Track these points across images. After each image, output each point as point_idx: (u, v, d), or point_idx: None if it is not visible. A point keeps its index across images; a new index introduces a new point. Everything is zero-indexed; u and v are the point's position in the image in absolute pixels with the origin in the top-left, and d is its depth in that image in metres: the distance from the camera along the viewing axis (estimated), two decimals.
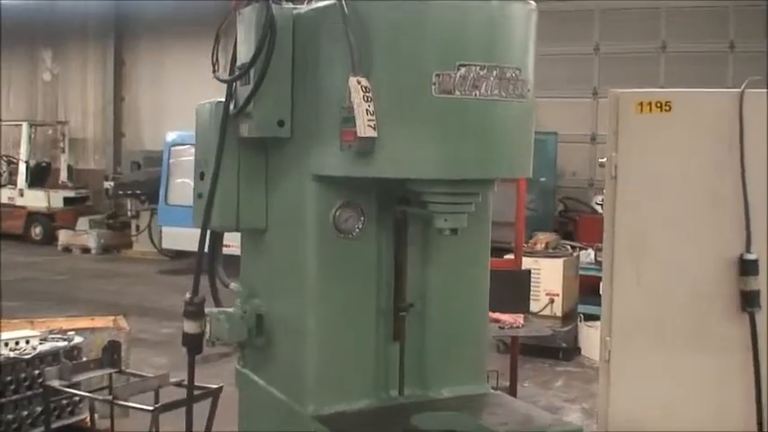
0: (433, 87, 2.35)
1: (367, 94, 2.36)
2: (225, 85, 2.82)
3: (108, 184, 16.29)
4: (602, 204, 4.47)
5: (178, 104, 15.11)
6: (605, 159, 3.58)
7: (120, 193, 15.41)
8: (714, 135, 3.50)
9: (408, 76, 2.38)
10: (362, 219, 2.72)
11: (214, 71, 2.89)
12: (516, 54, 2.45)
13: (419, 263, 2.85)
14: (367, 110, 2.36)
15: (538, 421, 2.67)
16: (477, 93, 2.37)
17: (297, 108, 2.72)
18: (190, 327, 2.98)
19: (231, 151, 2.88)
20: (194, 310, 2.96)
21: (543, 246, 9.29)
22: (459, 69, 2.35)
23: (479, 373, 3.00)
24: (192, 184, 3.08)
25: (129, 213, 15.77)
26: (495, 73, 2.39)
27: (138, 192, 14.88)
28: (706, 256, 3.52)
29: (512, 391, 6.77)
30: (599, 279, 9.39)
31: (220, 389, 5.32)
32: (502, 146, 2.45)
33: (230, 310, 3.02)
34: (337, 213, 2.68)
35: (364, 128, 2.36)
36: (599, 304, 9.40)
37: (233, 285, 3.13)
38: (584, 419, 7.05)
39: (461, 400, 2.85)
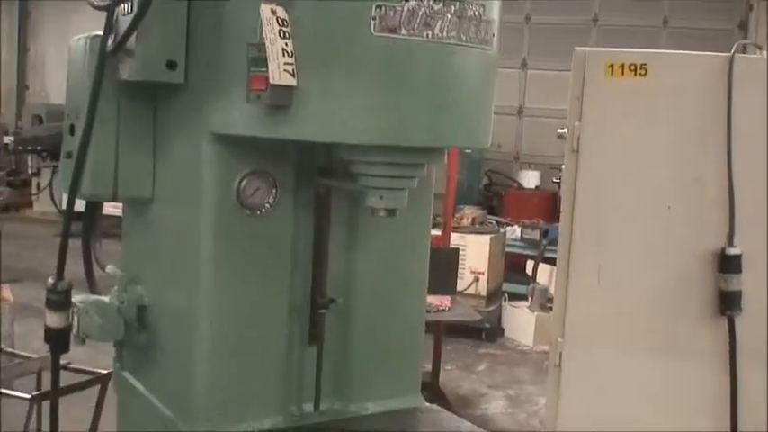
0: (371, 23, 1.77)
1: (284, 29, 1.79)
2: None
3: (8, 139, 15.39)
4: (558, 182, 3.98)
5: None
6: (565, 130, 3.07)
7: (20, 148, 14.54)
8: (696, 106, 3.01)
9: (340, 7, 1.80)
10: (274, 192, 2.15)
11: None
12: None
13: (344, 249, 2.31)
14: (283, 49, 1.78)
15: None
16: (430, 33, 1.81)
17: (193, 45, 2.12)
18: (53, 320, 2.40)
19: (109, 100, 2.27)
20: (58, 300, 2.38)
21: (470, 221, 8.88)
22: (406, 1, 1.79)
23: (413, 383, 2.49)
24: None
25: (29, 171, 14.96)
26: (453, 8, 1.83)
27: (39, 147, 14.04)
28: (680, 248, 3.07)
29: (434, 376, 6.42)
30: (524, 257, 9.33)
31: (110, 375, 4.76)
32: (459, 106, 1.89)
33: (105, 299, 2.44)
34: (242, 184, 2.11)
35: (279, 73, 1.78)
36: (524, 283, 9.27)
37: (110, 268, 2.54)
38: (508, 407, 6.75)
39: (389, 417, 2.36)
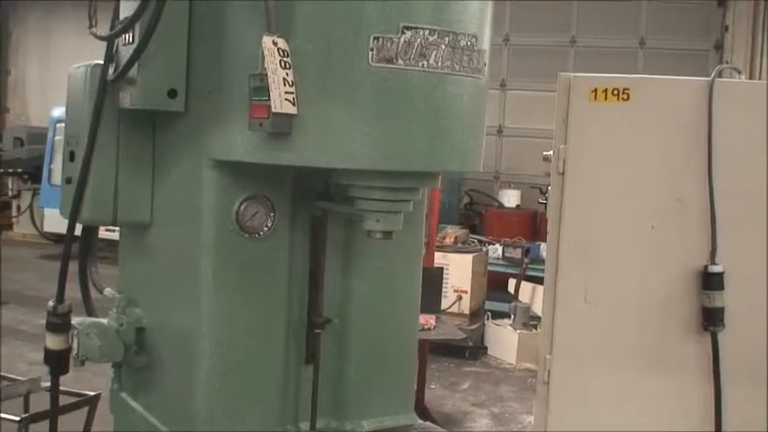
0: (369, 54, 1.85)
1: (285, 59, 1.85)
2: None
3: None
4: (545, 203, 4.04)
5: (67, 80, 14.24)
6: (551, 152, 3.14)
7: (1, 170, 14.51)
8: (678, 129, 3.08)
9: (339, 39, 1.87)
10: (272, 215, 2.21)
11: (91, 26, 2.32)
12: (473, 18, 1.98)
13: (340, 271, 2.36)
14: (284, 79, 1.85)
15: None
16: (425, 63, 1.89)
17: (194, 75, 2.18)
18: (53, 342, 2.46)
19: (109, 127, 2.33)
20: (58, 323, 2.42)
21: (452, 240, 8.94)
22: (403, 33, 1.86)
23: (407, 400, 2.54)
24: None
25: (9, 193, 14.88)
26: (447, 40, 1.91)
27: (20, 170, 14.06)
28: (664, 266, 3.12)
29: (419, 394, 6.44)
30: (507, 275, 9.39)
31: (98, 396, 4.77)
32: (453, 132, 1.97)
33: (104, 321, 2.47)
34: (242, 208, 2.16)
35: (280, 102, 1.85)
36: (506, 301, 9.29)
37: (108, 291, 2.57)
38: (493, 425, 6.78)
39: None
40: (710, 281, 3.05)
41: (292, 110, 1.86)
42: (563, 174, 3.12)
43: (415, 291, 2.51)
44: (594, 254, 3.14)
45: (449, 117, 1.95)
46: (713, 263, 3.07)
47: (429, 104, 1.91)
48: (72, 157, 2.42)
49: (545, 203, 3.74)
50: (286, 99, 1.85)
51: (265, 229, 2.21)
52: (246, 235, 2.19)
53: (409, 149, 1.91)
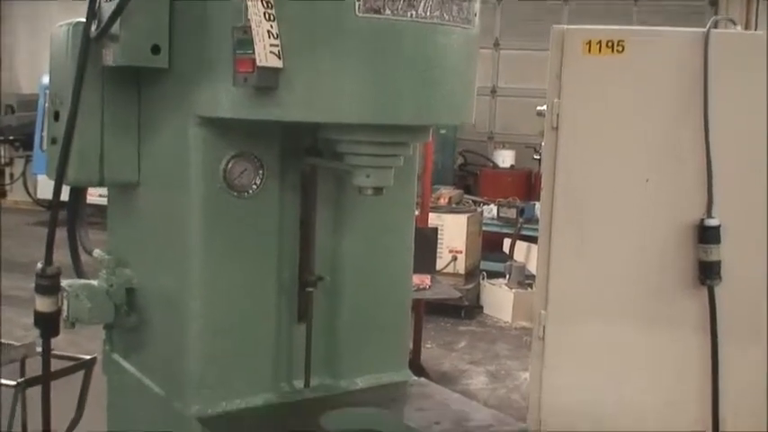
0: (356, 4, 1.80)
1: (269, 11, 1.81)
2: None
3: None
4: (539, 159, 4.00)
5: None
6: (544, 107, 3.10)
7: None
8: (673, 81, 3.04)
9: None
10: (261, 173, 2.18)
11: None
12: None
13: (331, 228, 2.34)
14: (269, 31, 1.80)
15: (476, 419, 2.21)
16: (414, 13, 1.84)
17: (177, 30, 2.13)
18: (43, 304, 2.42)
19: (94, 85, 2.28)
20: (47, 284, 2.39)
21: (446, 201, 8.91)
22: None
23: (401, 357, 2.54)
24: None
25: (2, 160, 14.78)
26: None
27: (12, 137, 13.96)
28: (660, 220, 3.10)
29: (416, 354, 6.48)
30: (501, 235, 9.39)
31: (94, 360, 4.77)
32: (444, 84, 1.92)
33: (93, 282, 2.45)
34: (229, 166, 2.13)
35: (266, 55, 1.81)
36: (501, 261, 9.30)
37: (97, 252, 2.55)
38: (489, 383, 6.82)
39: (380, 392, 2.40)
40: (707, 234, 3.03)
41: (278, 63, 1.82)
42: (557, 128, 3.09)
43: (408, 248, 2.49)
44: (589, 208, 3.12)
45: (439, 68, 1.90)
46: (710, 216, 3.05)
47: (418, 55, 1.87)
48: (57, 116, 2.38)
49: (539, 159, 3.71)
50: (271, 52, 1.81)
51: (254, 186, 2.18)
52: (235, 193, 2.16)
53: (398, 102, 1.87)
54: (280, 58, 1.82)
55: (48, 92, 2.50)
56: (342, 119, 1.89)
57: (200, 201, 2.14)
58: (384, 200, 2.17)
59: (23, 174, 14.08)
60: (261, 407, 2.24)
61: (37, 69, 15.12)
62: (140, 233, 2.46)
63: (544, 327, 3.17)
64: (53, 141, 2.37)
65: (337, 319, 2.39)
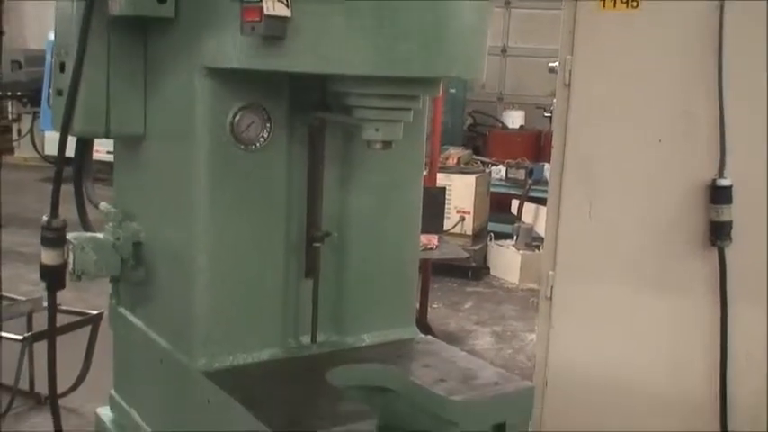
0: None
1: None
2: None
3: None
4: (549, 116, 3.96)
5: None
6: (556, 63, 3.04)
7: (0, 94, 14.36)
8: (688, 39, 2.98)
9: None
10: (268, 126, 2.14)
11: None
12: None
13: (338, 184, 2.31)
14: None
15: (482, 377, 2.20)
16: None
17: None
18: (48, 257, 2.42)
19: (99, 36, 2.24)
20: (53, 237, 2.38)
21: (455, 161, 8.87)
22: None
23: (407, 314, 2.52)
24: None
25: (10, 116, 14.76)
26: None
27: (20, 93, 13.91)
28: (671, 180, 3.06)
29: (422, 313, 6.49)
30: (510, 196, 9.36)
31: (100, 315, 4.80)
32: (456, 35, 1.87)
33: (100, 235, 2.44)
34: (236, 118, 2.10)
35: (273, 3, 1.77)
36: (509, 222, 9.28)
37: (103, 205, 2.53)
38: (494, 343, 6.84)
39: (386, 349, 2.38)
40: (719, 194, 2.99)
41: (286, 12, 1.78)
42: (569, 85, 3.04)
43: (416, 205, 2.46)
44: (600, 168, 3.08)
45: (450, 20, 1.85)
46: (722, 176, 3.01)
47: (429, 6, 1.82)
48: (62, 68, 2.35)
49: (550, 117, 3.66)
50: (279, 0, 1.77)
51: (261, 140, 2.15)
52: (242, 146, 2.13)
53: (408, 54, 1.82)
54: (288, 6, 1.78)
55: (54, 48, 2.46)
56: (350, 70, 1.85)
57: (207, 154, 2.11)
58: (393, 156, 2.15)
59: (31, 130, 14.06)
60: (267, 362, 2.23)
61: (44, 25, 15.08)
62: (147, 186, 2.44)
63: (552, 287, 3.15)
64: (59, 93, 2.35)
65: (344, 274, 2.37)
